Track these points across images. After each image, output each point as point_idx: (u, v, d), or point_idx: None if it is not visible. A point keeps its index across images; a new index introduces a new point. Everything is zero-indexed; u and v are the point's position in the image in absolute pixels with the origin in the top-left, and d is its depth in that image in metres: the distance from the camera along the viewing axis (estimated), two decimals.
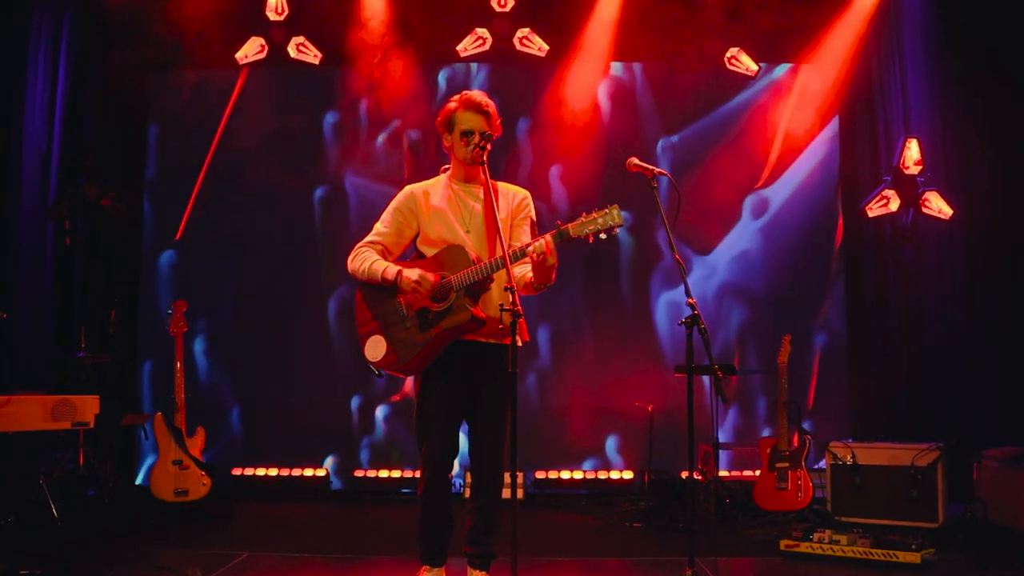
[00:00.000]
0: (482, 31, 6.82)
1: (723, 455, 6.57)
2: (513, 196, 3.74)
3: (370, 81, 6.90)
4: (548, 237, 3.39)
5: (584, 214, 3.39)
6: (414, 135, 7.03)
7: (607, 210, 3.36)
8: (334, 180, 7.07)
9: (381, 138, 7.08)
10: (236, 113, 7.04)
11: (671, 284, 6.88)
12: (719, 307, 6.91)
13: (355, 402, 6.93)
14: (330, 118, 7.10)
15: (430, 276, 3.45)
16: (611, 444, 6.78)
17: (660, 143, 7.03)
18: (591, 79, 6.91)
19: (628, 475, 6.66)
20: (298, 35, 6.86)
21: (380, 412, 6.93)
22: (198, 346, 6.91)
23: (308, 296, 6.97)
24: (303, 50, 6.91)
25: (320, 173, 7.09)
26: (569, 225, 3.39)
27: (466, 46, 6.84)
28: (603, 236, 3.36)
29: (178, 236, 7.03)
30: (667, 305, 6.90)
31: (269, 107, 7.01)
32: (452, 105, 3.64)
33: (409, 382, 6.86)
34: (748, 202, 6.96)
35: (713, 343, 3.70)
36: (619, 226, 3.36)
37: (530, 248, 3.38)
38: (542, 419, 6.83)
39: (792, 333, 5.84)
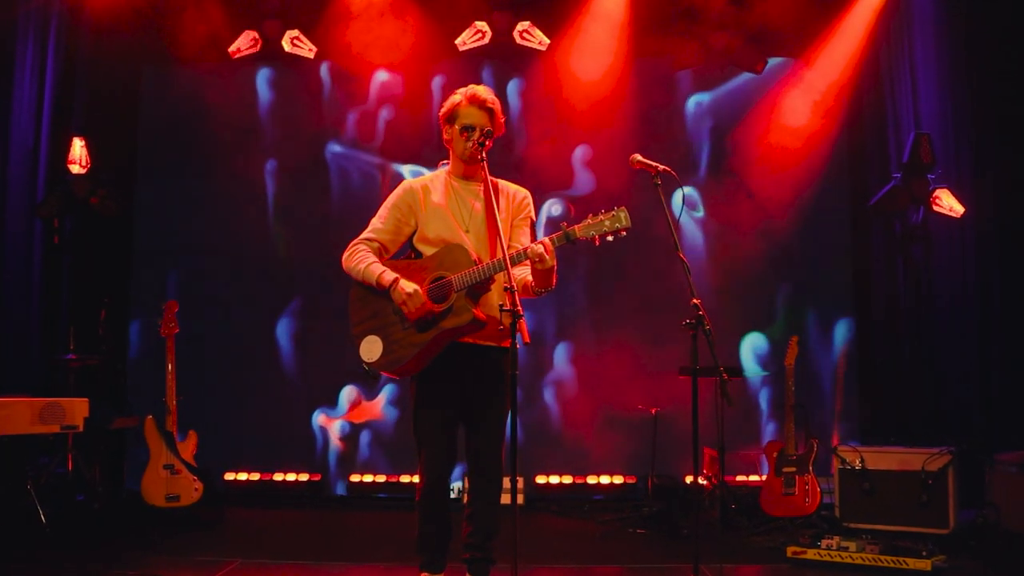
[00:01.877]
0: (481, 24, 6.82)
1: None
2: (513, 195, 3.73)
3: (362, 71, 6.95)
4: (547, 240, 3.40)
5: (591, 215, 3.39)
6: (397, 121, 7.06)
7: (615, 212, 3.37)
8: (314, 164, 7.12)
9: (353, 114, 7.13)
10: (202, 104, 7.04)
11: (678, 284, 6.87)
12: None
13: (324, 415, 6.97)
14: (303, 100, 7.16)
15: (421, 298, 3.42)
16: (614, 448, 6.76)
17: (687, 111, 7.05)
18: (593, 73, 6.90)
19: (631, 480, 6.65)
20: (292, 28, 6.86)
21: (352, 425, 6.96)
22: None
23: (279, 293, 7.02)
24: (298, 44, 6.90)
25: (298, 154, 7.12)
26: (575, 226, 3.40)
27: (465, 40, 6.84)
28: (610, 239, 3.37)
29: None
30: (673, 306, 6.90)
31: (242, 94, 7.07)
32: (456, 99, 3.63)
33: (382, 397, 6.90)
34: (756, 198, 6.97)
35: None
36: (627, 229, 3.36)
37: (528, 251, 3.38)
38: (543, 423, 6.83)
39: (799, 334, 5.84)
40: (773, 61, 6.89)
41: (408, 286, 3.44)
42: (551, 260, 3.39)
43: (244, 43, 6.90)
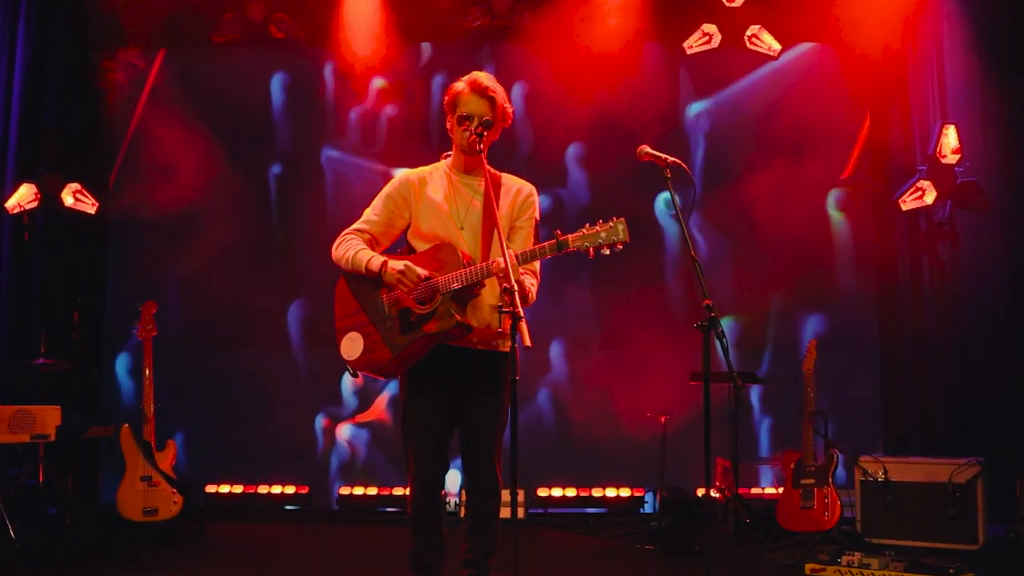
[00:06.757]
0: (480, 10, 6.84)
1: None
2: (517, 192, 3.69)
3: (356, 59, 6.94)
4: (501, 260, 3.33)
5: (587, 225, 3.36)
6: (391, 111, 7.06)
7: (612, 224, 3.33)
8: (307, 158, 7.14)
9: (355, 113, 7.15)
10: (199, 93, 7.07)
11: (684, 282, 6.87)
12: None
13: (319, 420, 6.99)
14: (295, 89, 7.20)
15: (418, 269, 3.43)
16: (621, 458, 6.76)
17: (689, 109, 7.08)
18: (599, 59, 6.91)
19: (639, 492, 6.65)
20: (278, 12, 6.87)
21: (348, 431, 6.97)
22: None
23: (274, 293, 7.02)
24: (284, 28, 6.91)
25: (292, 151, 7.15)
26: (569, 236, 3.36)
27: (465, 24, 6.86)
28: (606, 251, 3.33)
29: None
30: (680, 305, 6.90)
31: (234, 85, 7.08)
32: (459, 86, 3.61)
33: (381, 401, 6.91)
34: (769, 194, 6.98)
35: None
36: (624, 243, 3.32)
37: (492, 267, 3.32)
38: (545, 432, 6.83)
39: (818, 338, 5.84)
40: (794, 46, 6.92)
41: (397, 263, 3.44)
42: (506, 283, 3.38)
43: (226, 28, 6.91)
